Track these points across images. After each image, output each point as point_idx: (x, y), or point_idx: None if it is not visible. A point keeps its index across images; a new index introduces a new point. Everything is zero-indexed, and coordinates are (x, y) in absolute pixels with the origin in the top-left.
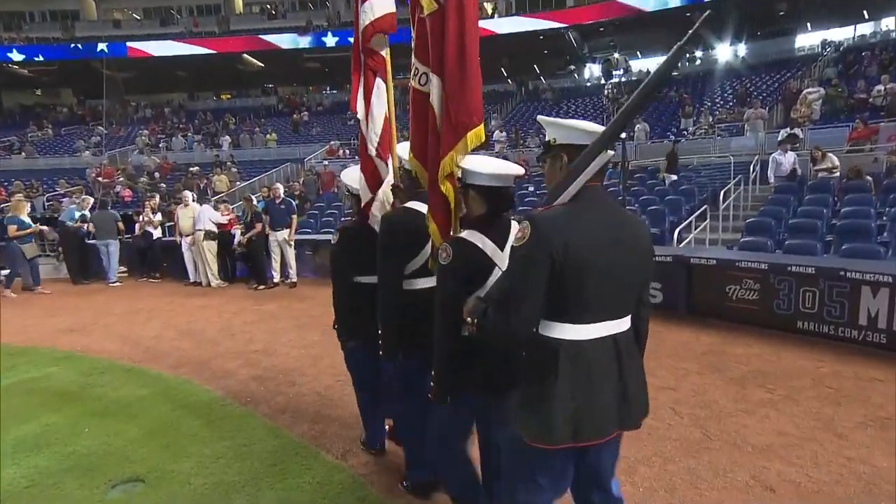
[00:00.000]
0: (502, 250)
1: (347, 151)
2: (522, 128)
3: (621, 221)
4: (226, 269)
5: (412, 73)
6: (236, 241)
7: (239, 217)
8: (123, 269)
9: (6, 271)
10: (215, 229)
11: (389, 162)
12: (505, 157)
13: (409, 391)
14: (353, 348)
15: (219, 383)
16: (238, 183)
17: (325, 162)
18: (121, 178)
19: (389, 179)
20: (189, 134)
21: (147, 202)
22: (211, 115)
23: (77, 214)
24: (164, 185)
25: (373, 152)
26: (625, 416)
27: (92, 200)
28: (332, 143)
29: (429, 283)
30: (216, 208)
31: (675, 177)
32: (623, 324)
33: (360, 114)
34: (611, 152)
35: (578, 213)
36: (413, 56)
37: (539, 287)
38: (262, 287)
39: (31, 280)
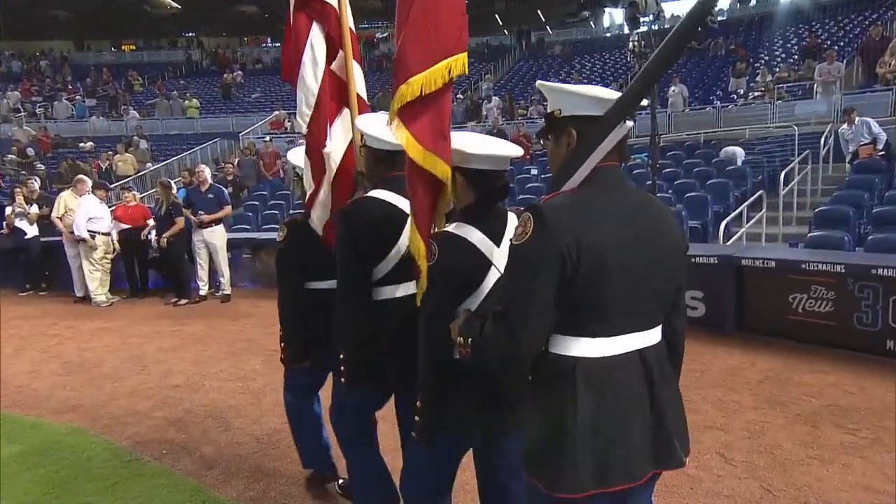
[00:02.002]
0: (499, 246)
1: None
2: (523, 93)
3: (645, 210)
4: (133, 278)
5: None
6: (146, 236)
7: (151, 210)
8: None
9: None
10: (102, 229)
11: (330, 143)
12: (500, 132)
13: (365, 432)
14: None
15: (123, 431)
16: (149, 164)
17: (268, 137)
18: None
19: (332, 167)
20: (78, 97)
21: (18, 188)
22: (109, 72)
23: None
24: (44, 166)
25: (303, 129)
26: (662, 451)
27: None
28: (276, 112)
29: (406, 290)
30: (119, 198)
31: (741, 151)
32: (652, 336)
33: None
34: (630, 123)
35: (591, 202)
36: None
37: (549, 293)
38: (183, 302)
39: None
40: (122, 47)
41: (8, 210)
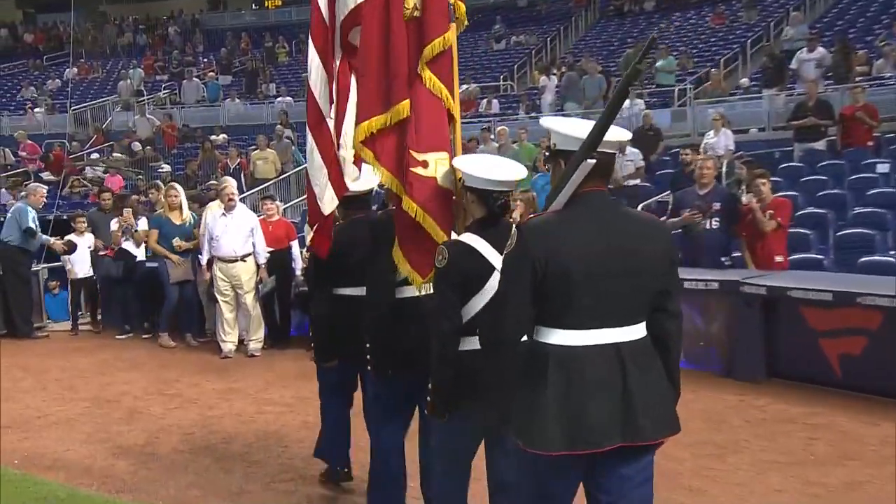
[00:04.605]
0: (501, 254)
1: (496, 104)
2: (862, 37)
3: (625, 226)
4: (274, 321)
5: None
6: (297, 270)
7: (296, 226)
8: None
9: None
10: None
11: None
12: (822, 105)
13: (389, 414)
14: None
15: None
16: (294, 165)
17: None
18: (94, 158)
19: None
20: (212, 73)
21: (130, 201)
22: (248, 38)
23: (31, 216)
24: (168, 167)
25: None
26: (628, 428)
27: (44, 191)
28: (466, 87)
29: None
30: (259, 213)
31: None
32: (630, 333)
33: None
34: (592, 161)
35: (568, 220)
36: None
37: (525, 294)
38: None
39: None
40: (266, 3)
41: (114, 225)
